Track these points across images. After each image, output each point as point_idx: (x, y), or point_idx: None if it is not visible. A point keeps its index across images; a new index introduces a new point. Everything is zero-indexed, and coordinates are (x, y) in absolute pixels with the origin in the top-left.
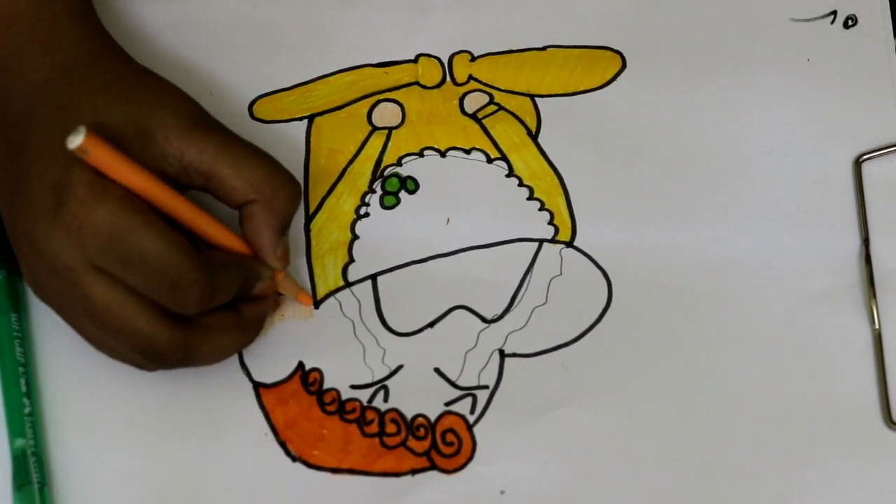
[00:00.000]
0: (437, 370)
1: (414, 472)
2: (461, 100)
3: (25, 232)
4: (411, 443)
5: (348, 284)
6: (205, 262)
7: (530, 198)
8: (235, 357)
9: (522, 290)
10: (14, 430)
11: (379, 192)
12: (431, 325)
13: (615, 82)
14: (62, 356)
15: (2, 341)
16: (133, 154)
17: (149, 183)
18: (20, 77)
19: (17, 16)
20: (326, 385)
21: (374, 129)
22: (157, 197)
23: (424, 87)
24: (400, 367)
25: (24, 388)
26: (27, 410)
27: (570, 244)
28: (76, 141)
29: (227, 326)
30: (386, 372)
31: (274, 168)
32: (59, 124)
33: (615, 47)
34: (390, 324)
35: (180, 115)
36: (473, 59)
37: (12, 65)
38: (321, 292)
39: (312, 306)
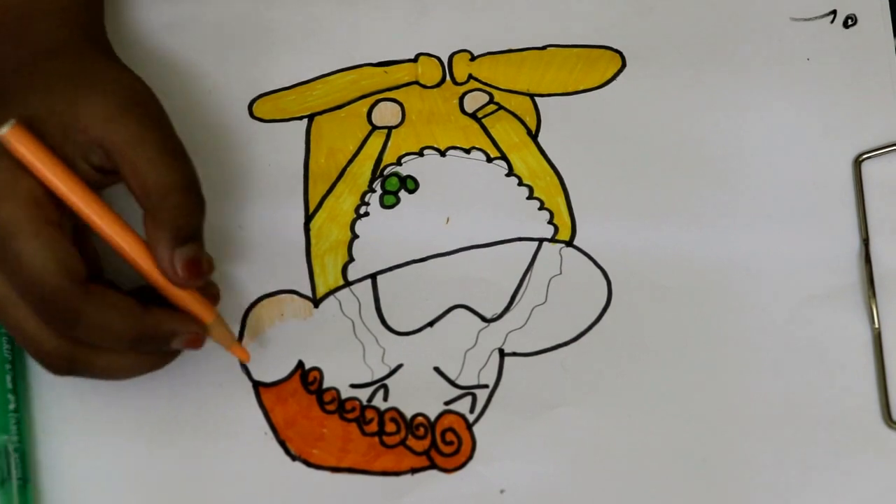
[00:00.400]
0: (436, 369)
1: (413, 471)
2: (461, 99)
3: None
4: (411, 442)
5: (348, 284)
6: (82, 291)
7: (530, 197)
8: (235, 357)
9: (522, 289)
10: None
11: (379, 191)
12: (431, 324)
13: (615, 82)
14: None
15: None
16: (54, 144)
17: (62, 181)
18: None
19: (4, 7)
20: (326, 384)
21: (374, 128)
22: (68, 198)
23: (424, 86)
24: (400, 366)
25: (9, 385)
26: (12, 406)
27: (569, 243)
28: (1, 132)
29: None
30: (385, 371)
31: (171, 172)
32: None
33: (615, 47)
34: (390, 323)
35: (108, 102)
36: (473, 58)
37: None
38: (321, 291)
39: (312, 305)
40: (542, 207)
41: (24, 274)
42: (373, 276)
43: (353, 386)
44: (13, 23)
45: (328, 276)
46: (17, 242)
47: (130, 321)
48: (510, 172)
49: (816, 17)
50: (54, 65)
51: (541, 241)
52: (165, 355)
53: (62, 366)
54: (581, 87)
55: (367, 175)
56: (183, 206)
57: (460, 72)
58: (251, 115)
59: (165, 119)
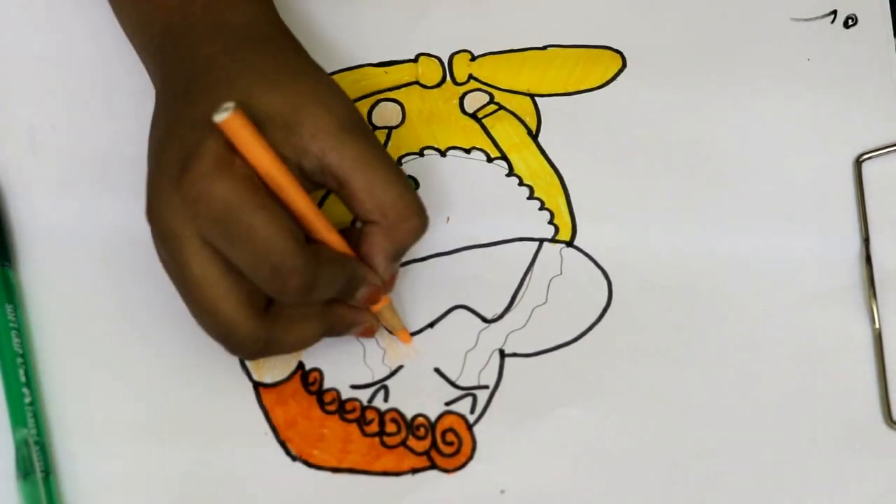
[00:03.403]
0: (437, 370)
1: (414, 471)
2: (461, 99)
3: (148, 198)
4: (411, 442)
5: None
6: (311, 253)
7: (530, 197)
8: (236, 357)
9: (522, 289)
10: (16, 420)
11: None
12: (432, 325)
13: (615, 82)
14: (60, 348)
15: None
16: (275, 142)
17: (276, 170)
18: (189, 52)
19: None
20: (326, 385)
21: (375, 128)
22: (281, 186)
23: (424, 86)
24: (400, 367)
25: (23, 379)
26: (27, 400)
27: (570, 244)
28: (222, 115)
29: (310, 315)
30: (386, 372)
31: (406, 195)
32: (211, 98)
33: (615, 47)
34: None
35: (332, 116)
36: (473, 58)
37: (184, 40)
38: None
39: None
40: (542, 207)
41: (258, 245)
42: None
43: (354, 387)
44: (201, 10)
45: None
46: (246, 216)
47: (344, 268)
48: (510, 172)
49: (817, 18)
50: (264, 59)
51: (541, 241)
52: (341, 327)
53: (255, 349)
54: (581, 88)
55: None
56: (417, 230)
57: (460, 72)
58: None
59: (379, 141)
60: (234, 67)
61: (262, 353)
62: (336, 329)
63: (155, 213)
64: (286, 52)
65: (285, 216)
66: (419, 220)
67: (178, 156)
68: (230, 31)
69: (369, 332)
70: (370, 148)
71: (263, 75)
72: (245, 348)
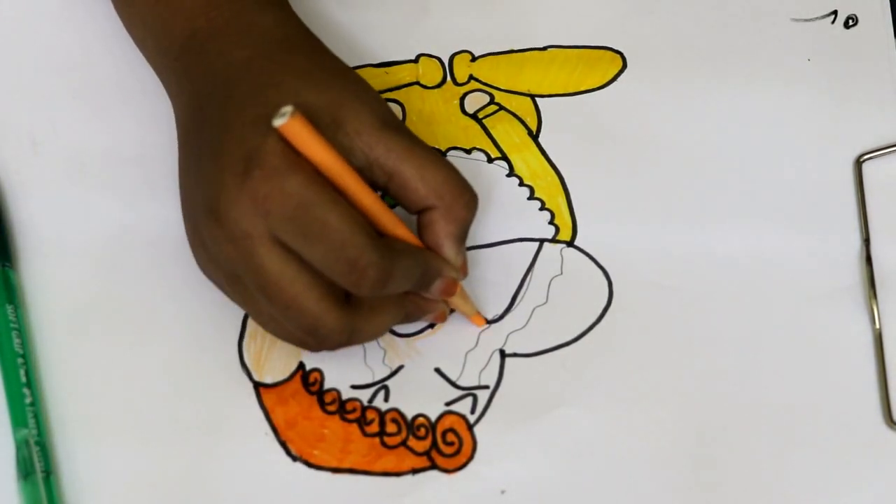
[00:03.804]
0: (437, 370)
1: (414, 471)
2: (462, 100)
3: (207, 199)
4: (412, 442)
5: None
6: (385, 246)
7: (531, 197)
8: (235, 357)
9: (523, 289)
10: (17, 421)
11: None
12: (432, 325)
13: (615, 82)
14: (60, 348)
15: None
16: (326, 138)
17: (341, 168)
18: (221, 55)
19: (216, 2)
20: (327, 385)
21: None
22: (347, 183)
23: (425, 87)
24: (400, 367)
25: (23, 379)
26: (28, 400)
27: (570, 244)
28: (282, 120)
29: (389, 303)
30: (386, 372)
31: (455, 175)
32: (261, 99)
33: (615, 47)
34: None
35: (372, 111)
36: (474, 59)
37: (213, 45)
38: None
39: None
40: (542, 208)
41: (333, 240)
42: None
43: (354, 387)
44: (227, 14)
45: None
46: (320, 211)
47: (418, 260)
48: (511, 173)
49: (817, 18)
50: (299, 60)
51: (542, 241)
52: (414, 315)
53: (340, 340)
54: (582, 88)
55: None
56: (471, 204)
57: (461, 72)
58: None
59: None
60: (274, 69)
61: (346, 343)
62: (411, 316)
63: (223, 213)
64: (317, 52)
65: (357, 211)
66: (471, 195)
67: (236, 157)
68: (260, 33)
69: (441, 318)
70: (411, 137)
71: (306, 75)
72: (330, 340)
